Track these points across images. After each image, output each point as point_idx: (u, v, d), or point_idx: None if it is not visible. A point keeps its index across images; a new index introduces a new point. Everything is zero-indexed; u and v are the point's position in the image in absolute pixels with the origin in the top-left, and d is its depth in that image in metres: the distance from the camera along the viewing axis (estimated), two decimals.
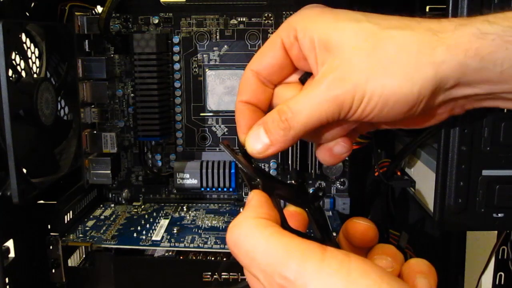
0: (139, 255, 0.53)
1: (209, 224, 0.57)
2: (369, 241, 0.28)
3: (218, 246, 0.51)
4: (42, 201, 0.51)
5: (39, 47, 0.50)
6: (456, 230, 0.47)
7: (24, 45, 0.48)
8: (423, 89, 0.26)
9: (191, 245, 0.52)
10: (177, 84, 0.62)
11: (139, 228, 0.56)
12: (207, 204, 0.64)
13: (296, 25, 0.29)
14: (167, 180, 0.65)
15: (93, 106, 0.59)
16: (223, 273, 0.50)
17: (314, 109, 0.27)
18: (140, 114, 0.58)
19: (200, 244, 0.52)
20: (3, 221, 0.43)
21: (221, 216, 0.60)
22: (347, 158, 0.60)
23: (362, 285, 0.20)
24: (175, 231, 0.55)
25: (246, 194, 0.65)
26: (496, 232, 0.52)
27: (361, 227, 0.28)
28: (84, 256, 0.55)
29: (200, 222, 0.58)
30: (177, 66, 0.61)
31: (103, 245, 0.52)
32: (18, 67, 0.46)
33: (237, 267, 0.49)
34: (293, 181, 0.59)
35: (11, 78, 0.41)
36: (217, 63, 0.61)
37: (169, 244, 0.52)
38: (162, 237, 0.53)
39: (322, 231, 0.29)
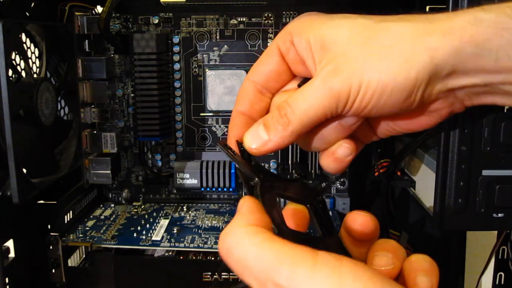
0: (139, 255, 0.53)
1: (209, 224, 0.57)
2: (370, 234, 0.28)
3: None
4: (42, 201, 0.51)
5: (39, 47, 0.50)
6: (456, 230, 0.47)
7: (24, 45, 0.48)
8: (420, 74, 0.25)
9: (191, 245, 0.52)
10: (177, 84, 0.62)
11: (139, 228, 0.56)
12: (207, 204, 0.64)
13: (292, 30, 0.30)
14: (167, 180, 0.65)
15: (93, 106, 0.59)
16: (223, 273, 0.50)
17: (311, 103, 0.27)
18: (140, 114, 0.59)
19: (200, 244, 0.52)
20: (3, 221, 0.43)
21: (221, 216, 0.60)
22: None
23: None
24: (175, 231, 0.55)
25: (246, 193, 0.65)
26: (496, 232, 0.52)
27: (360, 218, 0.28)
28: (84, 256, 0.55)
29: (200, 222, 0.58)
30: (177, 66, 0.61)
31: (103, 245, 0.52)
32: (18, 67, 0.46)
33: None
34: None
35: (11, 78, 0.41)
36: (217, 63, 0.61)
37: (169, 244, 0.52)
38: (162, 237, 0.53)
39: (323, 227, 0.29)
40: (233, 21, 0.60)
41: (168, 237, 0.53)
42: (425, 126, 0.30)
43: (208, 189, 0.62)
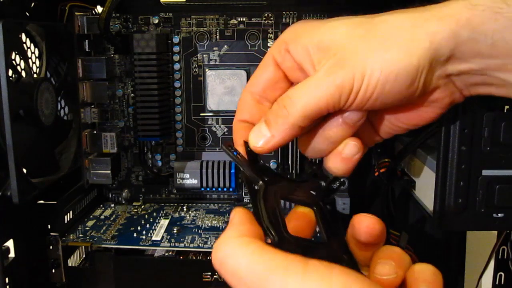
0: (139, 255, 0.53)
1: (209, 224, 0.57)
2: (376, 237, 0.27)
3: None
4: (42, 201, 0.51)
5: (39, 47, 0.50)
6: (456, 230, 0.47)
7: (24, 45, 0.48)
8: (421, 60, 0.26)
9: (191, 245, 0.52)
10: (177, 84, 0.62)
11: (139, 228, 0.56)
12: (207, 204, 0.64)
13: (286, 39, 0.30)
14: (167, 180, 0.65)
15: (93, 106, 0.59)
16: None
17: (312, 94, 0.27)
18: (140, 114, 0.59)
19: (200, 244, 0.52)
20: (3, 221, 0.43)
21: (221, 216, 0.60)
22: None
23: None
24: (175, 231, 0.55)
25: (246, 194, 0.65)
26: (496, 232, 0.52)
27: (366, 221, 0.27)
28: (84, 256, 0.55)
29: (200, 222, 0.58)
30: (177, 66, 0.61)
31: (103, 245, 0.52)
32: (18, 67, 0.46)
33: None
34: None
35: (11, 78, 0.41)
36: (217, 63, 0.61)
37: (169, 244, 0.52)
38: (162, 237, 0.53)
39: (328, 230, 0.29)
40: (233, 21, 0.60)
41: (168, 237, 0.53)
42: (428, 119, 0.30)
43: (208, 189, 0.62)
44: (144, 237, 0.54)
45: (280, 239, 0.26)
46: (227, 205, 0.64)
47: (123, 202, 0.65)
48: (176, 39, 0.61)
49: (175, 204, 0.64)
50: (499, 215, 0.36)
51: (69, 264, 0.53)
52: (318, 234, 0.31)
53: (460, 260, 0.47)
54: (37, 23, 0.48)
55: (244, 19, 0.60)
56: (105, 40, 0.60)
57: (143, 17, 0.61)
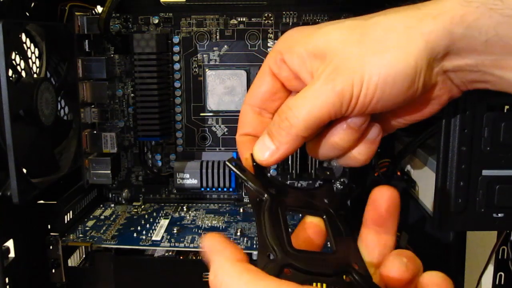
0: (139, 255, 0.53)
1: (209, 224, 0.57)
2: (397, 207, 0.29)
3: None
4: (42, 201, 0.51)
5: (39, 47, 0.50)
6: (456, 230, 0.47)
7: (24, 45, 0.48)
8: (419, 60, 0.26)
9: (191, 245, 0.52)
10: (177, 84, 0.62)
11: (139, 228, 0.56)
12: (207, 204, 0.64)
13: (280, 49, 0.30)
14: (167, 180, 0.65)
15: (93, 106, 0.59)
16: None
17: (313, 104, 0.27)
18: (140, 114, 0.58)
19: (200, 244, 0.52)
20: (3, 221, 0.43)
21: (221, 216, 0.60)
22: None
23: None
24: (175, 231, 0.55)
25: (246, 194, 0.65)
26: (496, 232, 0.52)
27: (387, 192, 0.29)
28: (84, 256, 0.55)
29: (200, 222, 0.58)
30: (177, 66, 0.61)
31: (103, 245, 0.52)
32: (18, 67, 0.46)
33: None
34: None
35: (11, 78, 0.41)
36: (217, 63, 0.61)
37: (169, 244, 0.52)
38: (162, 237, 0.53)
39: (338, 239, 0.28)
40: (233, 21, 0.60)
41: (168, 237, 0.53)
42: (427, 114, 0.30)
43: (208, 189, 0.62)
44: (144, 237, 0.54)
45: (281, 254, 0.26)
46: (227, 205, 0.64)
47: (123, 202, 0.65)
48: (176, 39, 0.61)
49: (175, 204, 0.64)
50: (499, 215, 0.36)
51: (69, 264, 0.53)
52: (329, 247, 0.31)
53: (460, 260, 0.47)
54: (37, 23, 0.48)
55: (244, 19, 0.60)
56: (105, 40, 0.60)
57: (143, 17, 0.61)
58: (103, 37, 0.58)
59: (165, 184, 0.65)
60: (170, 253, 0.52)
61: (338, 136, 0.29)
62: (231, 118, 0.62)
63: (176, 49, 0.61)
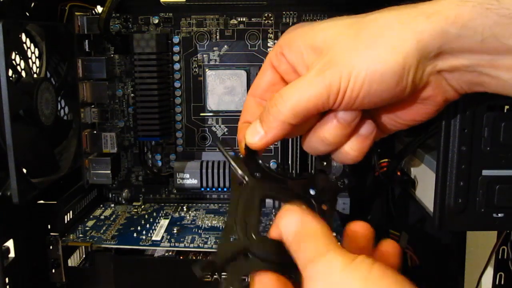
0: (139, 255, 0.53)
1: (209, 224, 0.57)
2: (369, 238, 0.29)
3: None
4: (42, 201, 0.51)
5: (39, 47, 0.50)
6: (456, 230, 0.47)
7: (24, 45, 0.48)
8: (407, 59, 0.26)
9: (191, 245, 0.52)
10: (177, 84, 0.62)
11: (139, 228, 0.56)
12: (207, 204, 0.64)
13: (281, 43, 0.31)
14: (167, 180, 0.65)
15: (93, 106, 0.59)
16: (223, 274, 0.50)
17: (302, 92, 0.28)
18: (140, 114, 0.58)
19: (200, 244, 0.52)
20: (3, 221, 0.43)
21: (221, 216, 0.60)
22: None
23: None
24: (175, 231, 0.55)
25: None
26: (496, 232, 0.52)
27: (360, 224, 0.28)
28: (84, 256, 0.55)
29: (200, 222, 0.58)
30: (177, 66, 0.61)
31: (103, 245, 0.52)
32: (18, 67, 0.46)
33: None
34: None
35: (11, 78, 0.41)
36: (217, 63, 0.61)
37: (169, 244, 0.52)
38: (162, 237, 0.53)
39: None
40: (233, 21, 0.60)
41: (168, 237, 0.53)
42: (424, 115, 0.30)
43: (208, 189, 0.62)
44: (144, 237, 0.54)
45: (243, 239, 0.27)
46: (227, 205, 0.64)
47: (123, 202, 0.65)
48: (176, 39, 0.61)
49: (175, 204, 0.64)
50: (499, 215, 0.36)
51: (69, 264, 0.53)
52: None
53: (460, 260, 0.47)
54: (37, 23, 0.48)
55: (244, 19, 0.60)
56: (105, 40, 0.60)
57: (143, 17, 0.61)
58: (103, 37, 0.58)
59: (165, 184, 0.65)
60: (170, 253, 0.52)
61: (328, 131, 0.30)
62: (231, 118, 0.62)
63: (176, 49, 0.61)
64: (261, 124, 0.30)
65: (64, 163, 0.52)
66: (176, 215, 0.60)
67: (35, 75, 0.49)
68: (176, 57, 0.61)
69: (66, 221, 0.54)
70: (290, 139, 0.59)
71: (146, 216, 0.60)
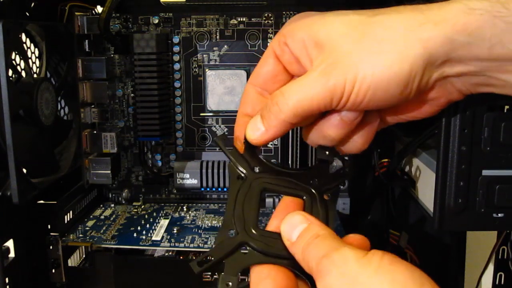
0: (139, 255, 0.53)
1: (209, 224, 0.57)
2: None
3: None
4: (42, 201, 0.51)
5: (39, 47, 0.50)
6: (456, 230, 0.47)
7: (24, 45, 0.48)
8: (414, 66, 0.26)
9: (191, 245, 0.52)
10: (177, 84, 0.62)
11: (139, 228, 0.56)
12: (207, 204, 0.64)
13: (285, 32, 0.30)
14: (167, 180, 0.65)
15: (93, 106, 0.59)
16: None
17: (305, 93, 0.28)
18: (140, 114, 0.58)
19: (200, 244, 0.52)
20: (3, 221, 0.43)
21: (221, 216, 0.60)
22: (346, 158, 0.60)
23: None
24: (175, 231, 0.55)
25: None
26: (496, 232, 0.52)
27: (357, 237, 0.29)
28: (84, 256, 0.55)
29: (200, 222, 0.58)
30: (177, 66, 0.61)
31: (103, 245, 0.52)
32: (18, 67, 0.46)
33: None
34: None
35: (11, 78, 0.41)
36: (217, 63, 0.61)
37: (169, 244, 0.52)
38: (162, 237, 0.53)
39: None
40: (233, 21, 0.60)
41: (168, 237, 0.53)
42: (428, 113, 0.30)
43: (208, 189, 0.62)
44: (144, 237, 0.54)
45: (241, 233, 0.27)
46: (225, 205, 0.64)
47: (123, 202, 0.65)
48: (176, 39, 0.61)
49: (175, 204, 0.64)
50: (499, 215, 0.36)
51: (69, 264, 0.53)
52: None
53: (460, 260, 0.47)
54: (37, 23, 0.48)
55: (244, 19, 0.60)
56: (105, 40, 0.60)
57: (143, 17, 0.61)
58: (103, 37, 0.58)
59: (165, 184, 0.65)
60: (170, 253, 0.52)
61: (331, 129, 0.30)
62: (231, 118, 0.62)
63: (176, 49, 0.61)
64: (262, 121, 0.30)
65: (64, 163, 0.52)
66: (176, 215, 0.60)
67: (35, 75, 0.49)
68: (176, 57, 0.61)
69: (66, 221, 0.54)
70: (290, 137, 0.59)
71: (146, 216, 0.60)
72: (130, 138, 0.64)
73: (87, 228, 0.56)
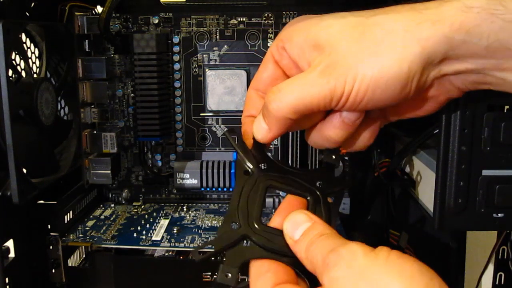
0: (139, 255, 0.53)
1: (209, 224, 0.57)
2: None
3: None
4: (42, 201, 0.51)
5: (39, 47, 0.50)
6: (456, 230, 0.47)
7: (24, 45, 0.48)
8: (412, 66, 0.26)
9: (191, 245, 0.52)
10: (177, 84, 0.62)
11: (139, 228, 0.56)
12: (207, 204, 0.64)
13: (283, 37, 0.31)
14: (167, 180, 0.65)
15: (93, 106, 0.59)
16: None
17: (304, 92, 0.28)
18: (140, 114, 0.59)
19: (200, 244, 0.52)
20: (3, 221, 0.43)
21: (221, 216, 0.60)
22: (346, 158, 0.60)
23: None
24: (175, 231, 0.55)
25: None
26: (496, 232, 0.52)
27: None
28: (84, 256, 0.55)
29: (200, 222, 0.58)
30: (177, 66, 0.61)
31: (103, 245, 0.52)
32: (18, 67, 0.46)
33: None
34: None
35: (11, 78, 0.41)
36: (217, 63, 0.61)
37: (169, 244, 0.52)
38: (162, 237, 0.53)
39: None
40: (233, 21, 0.60)
41: (168, 237, 0.53)
42: (427, 111, 0.30)
43: (208, 189, 0.62)
44: (144, 237, 0.54)
45: (244, 226, 0.27)
46: (227, 205, 0.64)
47: (123, 202, 0.65)
48: (176, 39, 0.61)
49: (175, 204, 0.64)
50: (499, 215, 0.36)
51: (69, 264, 0.53)
52: None
53: (460, 260, 0.47)
54: (37, 23, 0.48)
55: (244, 19, 0.60)
56: (105, 40, 0.60)
57: (143, 17, 0.61)
58: (103, 37, 0.58)
59: (165, 184, 0.65)
60: (170, 253, 0.52)
61: (332, 130, 0.30)
62: (231, 118, 0.62)
63: (176, 49, 0.61)
64: (263, 118, 0.30)
65: (64, 163, 0.52)
66: (176, 215, 0.60)
67: (35, 75, 0.49)
68: (176, 57, 0.61)
69: (66, 221, 0.54)
70: (290, 136, 0.59)
71: (146, 216, 0.60)
72: (130, 138, 0.64)
73: (87, 228, 0.56)
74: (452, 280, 0.47)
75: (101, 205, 0.64)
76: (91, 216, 0.60)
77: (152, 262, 0.52)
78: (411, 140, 0.48)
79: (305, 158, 0.59)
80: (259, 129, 0.31)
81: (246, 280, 0.27)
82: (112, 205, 0.64)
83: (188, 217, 0.59)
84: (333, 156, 0.32)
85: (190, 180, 0.61)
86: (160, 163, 0.64)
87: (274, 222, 0.29)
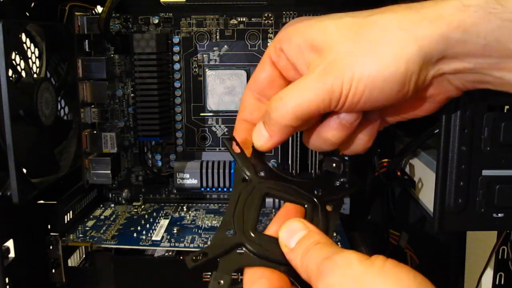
0: (139, 255, 0.53)
1: (209, 224, 0.57)
2: None
3: None
4: (42, 201, 0.51)
5: (39, 47, 0.50)
6: (456, 230, 0.47)
7: (24, 45, 0.48)
8: (410, 65, 0.26)
9: (191, 245, 0.52)
10: (177, 84, 0.62)
11: (139, 228, 0.56)
12: (207, 204, 0.64)
13: (280, 38, 0.31)
14: (167, 180, 0.65)
15: (93, 106, 0.59)
16: None
17: (304, 96, 0.28)
18: (140, 114, 0.58)
19: (200, 244, 0.52)
20: (3, 221, 0.43)
21: (221, 216, 0.60)
22: (346, 158, 0.61)
23: None
24: (175, 231, 0.55)
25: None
26: (496, 232, 0.52)
27: None
28: (84, 256, 0.55)
29: (200, 222, 0.58)
30: (177, 66, 0.61)
31: (103, 245, 0.52)
32: (18, 67, 0.46)
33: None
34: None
35: (11, 78, 0.41)
36: (217, 63, 0.61)
37: (169, 244, 0.52)
38: (162, 237, 0.53)
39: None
40: (233, 21, 0.60)
41: (168, 237, 0.53)
42: (427, 111, 0.30)
43: (208, 189, 0.62)
44: (144, 237, 0.53)
45: (239, 234, 0.27)
46: (227, 205, 0.64)
47: (123, 202, 0.65)
48: (176, 39, 0.61)
49: (175, 204, 0.64)
50: (499, 215, 0.36)
51: (69, 264, 0.53)
52: None
53: (460, 260, 0.47)
54: (37, 23, 0.48)
55: (244, 19, 0.60)
56: (105, 40, 0.60)
57: (143, 17, 0.61)
58: (103, 37, 0.58)
59: (165, 184, 0.65)
60: (170, 253, 0.52)
61: (330, 132, 0.30)
62: (231, 118, 0.62)
63: (176, 49, 0.61)
64: (264, 127, 0.30)
65: (64, 163, 0.52)
66: (176, 215, 0.60)
67: (35, 75, 0.49)
68: (176, 57, 0.61)
69: (66, 221, 0.54)
70: (290, 140, 0.59)
71: (146, 216, 0.60)
72: (130, 138, 0.64)
73: (87, 228, 0.56)
74: (452, 280, 0.47)
75: (101, 205, 0.64)
76: (91, 216, 0.60)
77: (152, 262, 0.52)
78: (411, 140, 0.48)
79: (305, 159, 0.59)
80: (260, 137, 0.31)
81: (240, 279, 0.27)
82: (112, 205, 0.64)
83: (188, 217, 0.59)
84: (334, 164, 0.32)
85: (190, 180, 0.61)
86: (160, 163, 0.64)
87: (270, 230, 0.29)
